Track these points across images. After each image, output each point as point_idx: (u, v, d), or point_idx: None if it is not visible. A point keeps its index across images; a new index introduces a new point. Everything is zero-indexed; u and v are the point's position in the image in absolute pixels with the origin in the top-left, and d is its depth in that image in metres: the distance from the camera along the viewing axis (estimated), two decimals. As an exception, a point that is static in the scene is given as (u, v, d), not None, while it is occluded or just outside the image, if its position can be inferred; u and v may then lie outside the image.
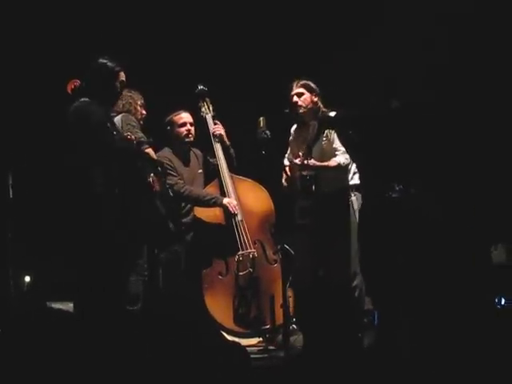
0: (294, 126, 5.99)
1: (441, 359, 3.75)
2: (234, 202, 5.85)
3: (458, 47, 6.34)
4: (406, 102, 5.37)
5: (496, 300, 5.72)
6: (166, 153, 5.92)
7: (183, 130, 5.92)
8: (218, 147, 5.99)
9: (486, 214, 5.94)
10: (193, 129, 5.96)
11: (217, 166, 5.98)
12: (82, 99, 4.94)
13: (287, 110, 5.72)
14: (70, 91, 5.03)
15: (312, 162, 5.57)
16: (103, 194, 4.83)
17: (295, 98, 5.77)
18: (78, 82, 5.03)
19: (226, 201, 5.84)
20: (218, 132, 6.02)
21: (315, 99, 5.78)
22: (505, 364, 3.76)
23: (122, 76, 5.07)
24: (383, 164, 5.47)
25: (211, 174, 6.08)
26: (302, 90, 5.78)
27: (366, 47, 6.48)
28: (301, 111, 5.77)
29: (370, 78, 6.35)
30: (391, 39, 6.45)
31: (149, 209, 5.25)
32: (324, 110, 5.75)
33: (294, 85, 5.79)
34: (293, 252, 5.21)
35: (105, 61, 5.02)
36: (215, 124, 6.06)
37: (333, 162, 5.68)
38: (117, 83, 5.04)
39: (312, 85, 5.79)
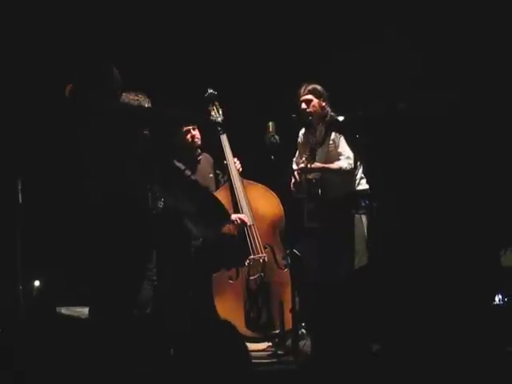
0: (303, 130, 5.98)
1: (448, 365, 3.74)
2: (241, 217, 5.80)
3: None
4: (412, 104, 5.36)
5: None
6: None
7: (187, 137, 5.90)
8: (228, 151, 5.97)
9: (496, 219, 5.91)
10: (197, 132, 5.93)
11: (227, 169, 5.95)
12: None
13: (294, 115, 5.71)
14: (70, 97, 4.97)
15: (314, 164, 5.57)
16: (118, 198, 4.82)
17: (304, 106, 5.76)
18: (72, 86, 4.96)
19: (233, 217, 5.76)
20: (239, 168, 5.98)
21: (323, 104, 5.78)
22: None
23: (115, 70, 5.01)
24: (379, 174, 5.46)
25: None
26: (309, 96, 5.77)
27: (371, 49, 6.47)
28: (310, 117, 5.77)
29: (377, 80, 6.34)
30: (397, 40, 6.44)
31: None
32: (332, 114, 5.74)
33: (302, 91, 5.77)
34: (301, 257, 5.20)
35: (93, 60, 4.96)
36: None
37: (334, 165, 5.68)
38: (112, 78, 4.99)
39: (320, 89, 5.78)
